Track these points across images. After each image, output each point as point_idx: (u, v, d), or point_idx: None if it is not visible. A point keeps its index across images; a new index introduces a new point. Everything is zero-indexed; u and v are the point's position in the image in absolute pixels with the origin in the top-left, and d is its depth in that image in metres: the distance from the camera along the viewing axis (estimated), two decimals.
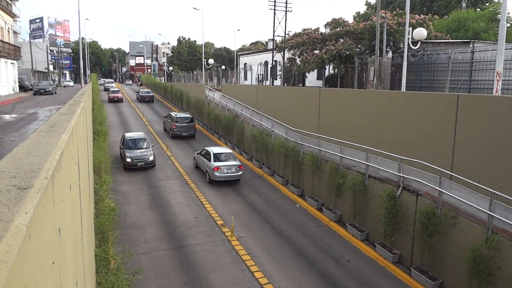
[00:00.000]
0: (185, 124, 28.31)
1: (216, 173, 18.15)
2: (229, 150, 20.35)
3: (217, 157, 18.74)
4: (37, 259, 1.82)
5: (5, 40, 44.11)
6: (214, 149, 19.50)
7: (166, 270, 10.91)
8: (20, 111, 25.48)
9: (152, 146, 21.82)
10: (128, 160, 20.04)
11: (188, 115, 30.33)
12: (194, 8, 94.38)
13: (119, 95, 49.22)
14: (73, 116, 5.98)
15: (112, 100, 47.88)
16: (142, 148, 21.02)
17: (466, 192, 10.26)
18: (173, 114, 30.00)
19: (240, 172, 18.63)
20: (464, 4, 40.43)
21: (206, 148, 20.11)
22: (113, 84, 68.45)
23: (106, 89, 60.75)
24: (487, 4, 44.02)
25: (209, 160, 18.68)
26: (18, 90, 48.08)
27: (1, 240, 1.36)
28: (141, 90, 55.11)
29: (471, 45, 22.97)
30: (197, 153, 20.85)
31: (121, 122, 34.49)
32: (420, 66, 24.31)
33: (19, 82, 49.58)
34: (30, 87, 50.25)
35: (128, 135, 22.38)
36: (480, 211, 9.45)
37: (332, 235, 13.73)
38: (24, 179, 2.10)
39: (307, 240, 13.17)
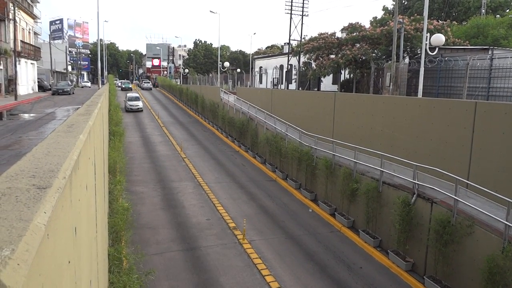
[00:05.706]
0: (146, 81, 65.50)
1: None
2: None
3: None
4: (54, 258, 1.85)
5: (26, 41, 45.06)
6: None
7: (177, 271, 10.96)
8: (39, 111, 25.97)
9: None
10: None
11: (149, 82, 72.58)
12: (211, 11, 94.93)
13: None
14: (91, 116, 6.06)
15: None
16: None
17: (483, 201, 10.08)
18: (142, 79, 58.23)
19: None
20: (483, 10, 39.78)
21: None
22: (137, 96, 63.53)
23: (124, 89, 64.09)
24: (507, 10, 43.28)
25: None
26: (37, 90, 49.03)
27: (20, 239, 1.38)
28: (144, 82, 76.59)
29: (490, 52, 22.59)
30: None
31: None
32: (437, 72, 23.99)
33: (38, 82, 50.57)
34: (49, 87, 51.20)
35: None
36: (497, 221, 9.26)
37: (344, 241, 13.61)
38: (43, 178, 2.14)
39: (319, 245, 13.09)
